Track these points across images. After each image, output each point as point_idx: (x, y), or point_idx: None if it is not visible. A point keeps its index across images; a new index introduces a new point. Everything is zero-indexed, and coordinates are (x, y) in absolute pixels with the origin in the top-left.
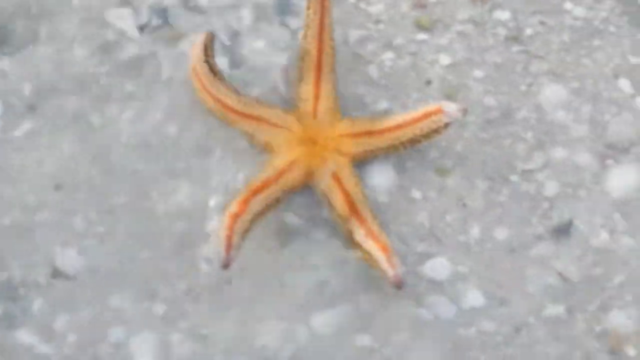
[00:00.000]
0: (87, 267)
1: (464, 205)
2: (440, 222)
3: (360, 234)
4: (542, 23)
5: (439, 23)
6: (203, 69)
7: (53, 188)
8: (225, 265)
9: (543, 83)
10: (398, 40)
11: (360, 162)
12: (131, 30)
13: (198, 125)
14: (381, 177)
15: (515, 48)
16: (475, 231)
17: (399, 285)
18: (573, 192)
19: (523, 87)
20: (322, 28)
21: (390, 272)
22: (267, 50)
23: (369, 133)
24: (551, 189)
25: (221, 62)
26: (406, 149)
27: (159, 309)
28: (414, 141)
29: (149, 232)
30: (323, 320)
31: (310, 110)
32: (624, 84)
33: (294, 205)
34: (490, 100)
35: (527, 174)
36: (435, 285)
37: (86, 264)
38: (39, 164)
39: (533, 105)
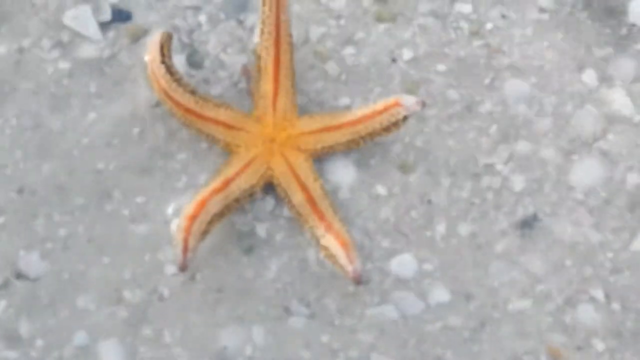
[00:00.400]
0: (50, 270)
1: (429, 201)
2: (405, 218)
3: (320, 230)
4: (503, 16)
5: (400, 16)
6: (160, 70)
7: (15, 191)
8: (182, 268)
9: (506, 77)
10: (359, 35)
11: (320, 158)
12: (92, 28)
13: (160, 126)
14: (343, 173)
15: (478, 41)
16: (440, 227)
17: (357, 280)
18: (537, 187)
19: (486, 81)
20: (279, 25)
21: (349, 268)
22: (225, 49)
23: (328, 128)
24: (515, 183)
25: (179, 59)
26: (366, 144)
27: (124, 312)
28: (373, 135)
29: (111, 235)
30: (286, 323)
31: (269, 107)
32: (588, 77)
33: (255, 209)
34: (452, 94)
35: (490, 168)
36: (401, 282)
37: (49, 267)
38: (1, 166)
39: (496, 99)
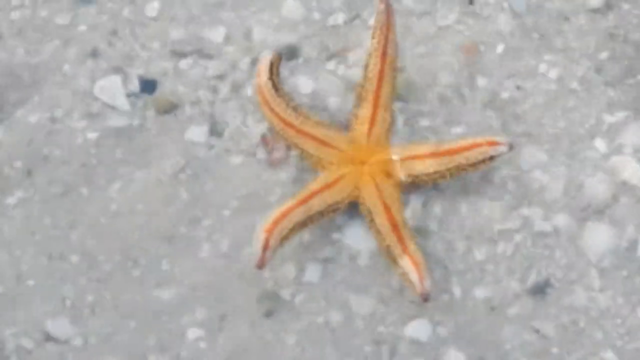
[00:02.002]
0: (78, 334)
1: (445, 266)
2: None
3: (397, 250)
4: (518, 87)
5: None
6: (267, 86)
7: (45, 257)
8: (260, 265)
9: (520, 144)
10: None
11: (409, 190)
12: (120, 99)
13: (185, 193)
14: (364, 239)
15: (490, 112)
16: (456, 290)
17: (425, 298)
18: (550, 252)
19: None
20: (384, 58)
21: (419, 285)
22: (245, 119)
23: (416, 157)
24: (528, 248)
25: (201, 130)
26: (453, 177)
27: None
28: (459, 169)
29: (137, 300)
30: None
31: (364, 132)
32: (600, 144)
33: (277, 276)
34: None
35: (505, 234)
36: (417, 346)
37: (78, 331)
38: (31, 233)
39: (511, 165)
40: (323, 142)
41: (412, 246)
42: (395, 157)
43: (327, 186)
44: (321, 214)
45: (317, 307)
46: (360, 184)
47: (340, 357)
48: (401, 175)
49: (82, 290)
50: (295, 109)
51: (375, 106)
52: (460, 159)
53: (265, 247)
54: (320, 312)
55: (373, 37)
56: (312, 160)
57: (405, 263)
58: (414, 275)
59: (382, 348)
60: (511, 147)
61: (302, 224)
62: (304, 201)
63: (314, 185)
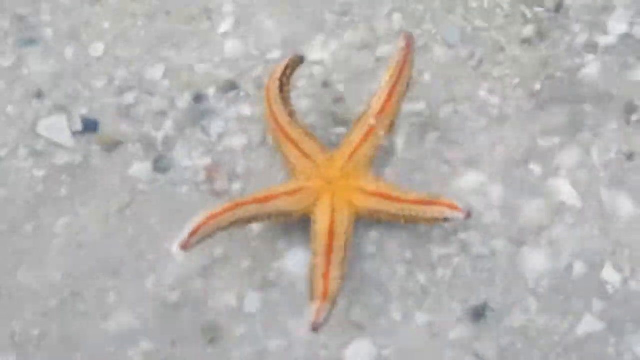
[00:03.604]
0: None
1: (387, 290)
2: (360, 306)
3: (420, 211)
4: (455, 112)
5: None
6: (274, 84)
7: None
8: (183, 247)
9: (458, 169)
10: None
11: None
12: (65, 137)
13: (130, 228)
14: (303, 266)
15: (431, 136)
16: (396, 315)
17: (469, 216)
18: (488, 276)
19: (439, 175)
20: (391, 94)
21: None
22: (190, 153)
23: (381, 195)
24: (467, 273)
25: (145, 166)
26: (406, 222)
27: None
28: (416, 220)
29: (83, 333)
30: None
31: (345, 155)
32: (535, 168)
33: (218, 306)
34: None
35: (443, 259)
36: None
37: None
38: None
39: (448, 192)
40: (303, 153)
41: (336, 275)
42: (363, 188)
43: (287, 193)
44: (269, 216)
45: (257, 335)
46: (318, 202)
47: None
48: (362, 206)
49: (28, 325)
50: (291, 114)
51: (367, 134)
52: (418, 211)
53: (194, 233)
54: (260, 339)
55: (388, 71)
56: (289, 167)
57: (318, 288)
58: (314, 306)
59: None
60: (468, 216)
61: (247, 221)
62: (258, 201)
63: (274, 189)
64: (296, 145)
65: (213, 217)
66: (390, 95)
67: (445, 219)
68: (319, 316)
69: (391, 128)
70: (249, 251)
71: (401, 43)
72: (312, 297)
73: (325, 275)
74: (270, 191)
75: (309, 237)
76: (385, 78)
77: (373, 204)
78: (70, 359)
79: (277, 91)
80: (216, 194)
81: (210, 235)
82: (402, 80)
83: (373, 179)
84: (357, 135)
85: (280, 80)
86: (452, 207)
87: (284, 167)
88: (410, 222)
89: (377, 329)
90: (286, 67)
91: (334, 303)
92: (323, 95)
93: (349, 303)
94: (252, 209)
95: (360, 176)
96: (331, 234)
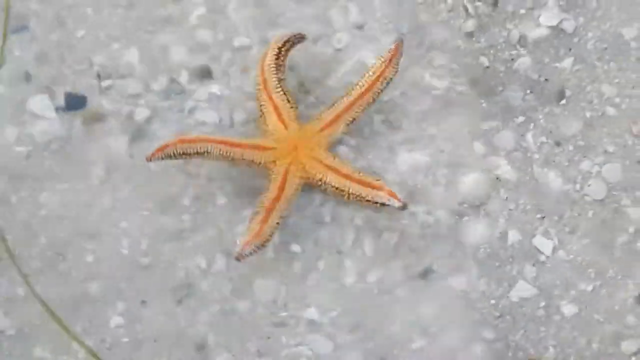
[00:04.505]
0: (11, 325)
1: (339, 252)
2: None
3: (357, 188)
4: (403, 94)
5: None
6: (272, 52)
7: None
8: (148, 159)
9: (404, 149)
10: None
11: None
12: (50, 114)
13: (109, 198)
14: None
15: (379, 117)
16: (348, 276)
17: (404, 207)
18: (433, 243)
19: (386, 154)
20: (365, 93)
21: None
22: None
23: (333, 169)
24: (414, 241)
25: (123, 139)
26: (349, 200)
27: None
28: (357, 198)
29: (65, 293)
30: None
31: (315, 129)
32: (477, 147)
33: (188, 267)
34: (361, 164)
35: (392, 225)
36: (313, 325)
37: (10, 322)
38: None
39: (395, 169)
40: (280, 119)
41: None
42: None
43: (255, 147)
44: (233, 159)
45: (224, 295)
46: (278, 162)
47: (246, 339)
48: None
49: (15, 285)
50: (280, 81)
51: (336, 118)
52: (361, 191)
53: (161, 149)
54: (227, 299)
55: (371, 68)
56: (263, 128)
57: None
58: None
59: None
60: (404, 207)
61: (211, 156)
62: (229, 144)
63: (246, 140)
64: (276, 110)
65: (183, 141)
66: (367, 89)
67: (383, 204)
68: (244, 248)
69: (357, 119)
70: (215, 220)
71: (393, 45)
72: (245, 233)
73: (263, 221)
74: (242, 140)
75: None
76: (368, 73)
77: (323, 174)
78: (51, 318)
79: (272, 58)
80: (188, 172)
81: (173, 156)
82: (382, 79)
83: (331, 155)
84: (327, 116)
85: (279, 49)
86: (391, 194)
87: (258, 126)
88: (353, 200)
89: (327, 290)
90: (288, 40)
91: (262, 245)
92: (289, 78)
93: (305, 269)
94: (222, 149)
95: (320, 150)
96: (280, 190)
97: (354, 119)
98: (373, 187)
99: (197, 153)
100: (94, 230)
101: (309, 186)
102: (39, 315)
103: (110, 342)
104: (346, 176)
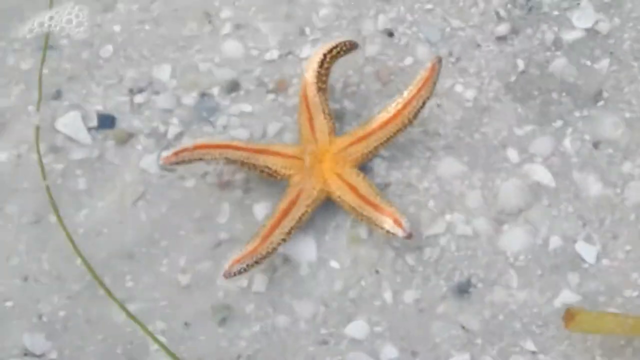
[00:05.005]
0: (53, 347)
1: (377, 271)
2: (357, 287)
3: (371, 213)
4: (438, 105)
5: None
6: (317, 57)
7: (20, 279)
8: (164, 162)
9: (441, 157)
10: None
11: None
12: (82, 133)
13: (144, 217)
14: (302, 253)
15: (415, 128)
16: (387, 295)
17: (409, 237)
18: (472, 254)
19: (423, 161)
20: (400, 112)
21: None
22: None
23: (351, 188)
24: (452, 252)
25: (155, 158)
26: (362, 221)
27: None
28: (367, 221)
29: (104, 315)
30: None
31: (344, 144)
32: (512, 154)
33: (225, 288)
34: (396, 174)
35: (430, 240)
36: (356, 343)
37: (52, 345)
38: (6, 258)
39: (433, 176)
40: (312, 128)
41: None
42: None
43: (279, 154)
44: (254, 167)
45: (265, 313)
46: (300, 172)
47: (289, 357)
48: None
49: (55, 308)
50: (320, 90)
51: (367, 135)
52: (371, 214)
53: (178, 152)
54: (268, 317)
55: (409, 87)
56: (300, 133)
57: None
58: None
59: (325, 347)
60: (409, 237)
61: (231, 162)
62: (252, 150)
63: (271, 146)
64: (310, 119)
65: (201, 146)
66: (402, 108)
67: (387, 231)
68: (232, 268)
69: (393, 138)
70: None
71: (430, 63)
72: (243, 248)
73: (264, 238)
74: (267, 146)
75: (311, 226)
76: (404, 92)
77: (341, 191)
78: (93, 339)
79: (315, 65)
80: (221, 184)
81: (190, 161)
82: (417, 98)
83: (355, 172)
84: (359, 132)
85: (324, 55)
86: (397, 222)
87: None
88: (365, 221)
89: (371, 307)
90: (335, 46)
91: (256, 263)
92: None
93: (346, 285)
94: (242, 155)
95: (345, 166)
96: (293, 202)
97: (389, 137)
98: (382, 213)
99: (215, 159)
100: (132, 250)
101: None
102: (80, 338)
103: None
104: (362, 197)
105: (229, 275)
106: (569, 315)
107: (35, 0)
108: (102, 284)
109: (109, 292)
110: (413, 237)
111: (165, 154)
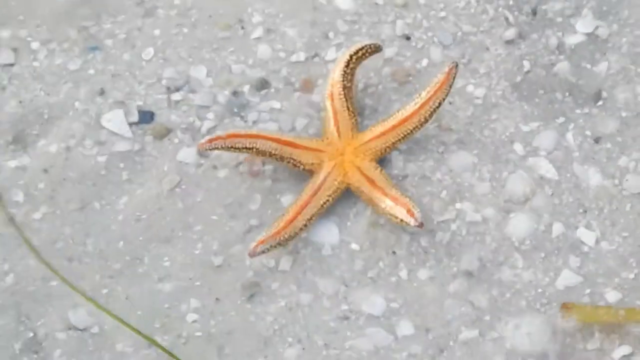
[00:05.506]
0: (95, 322)
1: (394, 252)
2: (375, 267)
3: (386, 203)
4: (450, 103)
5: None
6: (344, 57)
7: (66, 260)
8: (199, 148)
9: (453, 150)
10: None
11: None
12: (124, 127)
13: (180, 204)
14: (325, 235)
15: (430, 124)
16: (403, 273)
17: (421, 226)
18: (480, 238)
19: (436, 155)
20: (416, 112)
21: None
22: None
23: (369, 179)
24: (463, 236)
25: (192, 150)
26: (377, 213)
27: (154, 354)
28: (382, 211)
29: (143, 292)
30: (282, 355)
31: (365, 139)
32: (518, 148)
33: (254, 266)
34: (412, 167)
35: (442, 225)
36: (374, 319)
37: (95, 320)
38: (53, 242)
39: (446, 168)
40: (336, 124)
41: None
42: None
43: (306, 148)
44: (281, 158)
45: (290, 291)
46: (324, 164)
47: (311, 331)
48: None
49: (97, 286)
50: (345, 89)
51: (386, 132)
52: (386, 204)
53: (212, 140)
54: (293, 294)
55: (427, 89)
56: (323, 127)
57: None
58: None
59: (345, 322)
60: (421, 226)
61: (259, 153)
62: (280, 142)
63: (298, 139)
64: (335, 115)
65: (233, 135)
66: (419, 109)
67: (401, 220)
68: (256, 248)
69: (409, 135)
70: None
71: (447, 67)
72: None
73: (288, 222)
74: (294, 139)
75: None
76: (422, 94)
77: (360, 183)
78: (133, 314)
79: (342, 65)
80: (252, 174)
81: (223, 148)
82: (434, 100)
83: (374, 166)
84: (378, 128)
85: (351, 56)
86: (410, 212)
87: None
88: (379, 212)
89: (388, 285)
90: (361, 48)
91: (279, 244)
92: None
93: (365, 265)
94: (270, 146)
95: (365, 159)
96: (315, 192)
97: (407, 134)
98: (397, 203)
99: (246, 148)
100: (169, 234)
101: (351, 191)
102: (120, 314)
103: (186, 336)
104: (379, 188)
105: (253, 254)
106: (566, 308)
107: (83, 4)
108: (64, 279)
109: (72, 286)
110: (424, 227)
111: (199, 142)
